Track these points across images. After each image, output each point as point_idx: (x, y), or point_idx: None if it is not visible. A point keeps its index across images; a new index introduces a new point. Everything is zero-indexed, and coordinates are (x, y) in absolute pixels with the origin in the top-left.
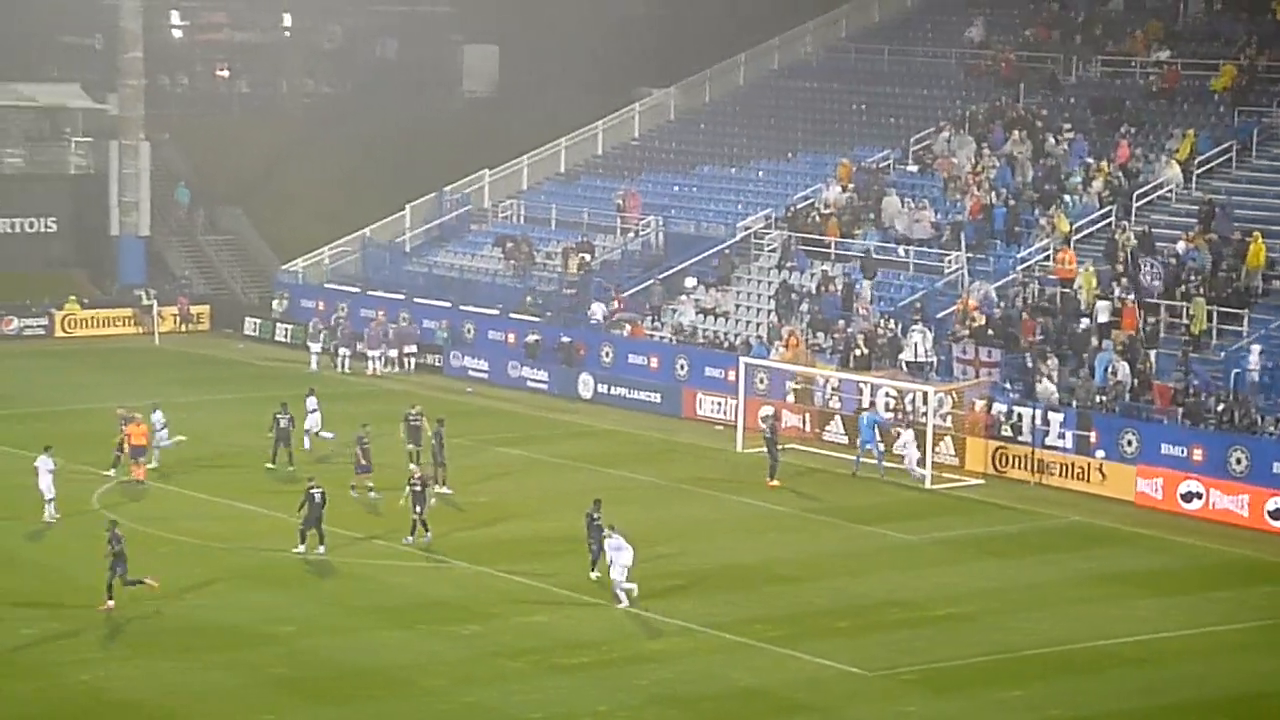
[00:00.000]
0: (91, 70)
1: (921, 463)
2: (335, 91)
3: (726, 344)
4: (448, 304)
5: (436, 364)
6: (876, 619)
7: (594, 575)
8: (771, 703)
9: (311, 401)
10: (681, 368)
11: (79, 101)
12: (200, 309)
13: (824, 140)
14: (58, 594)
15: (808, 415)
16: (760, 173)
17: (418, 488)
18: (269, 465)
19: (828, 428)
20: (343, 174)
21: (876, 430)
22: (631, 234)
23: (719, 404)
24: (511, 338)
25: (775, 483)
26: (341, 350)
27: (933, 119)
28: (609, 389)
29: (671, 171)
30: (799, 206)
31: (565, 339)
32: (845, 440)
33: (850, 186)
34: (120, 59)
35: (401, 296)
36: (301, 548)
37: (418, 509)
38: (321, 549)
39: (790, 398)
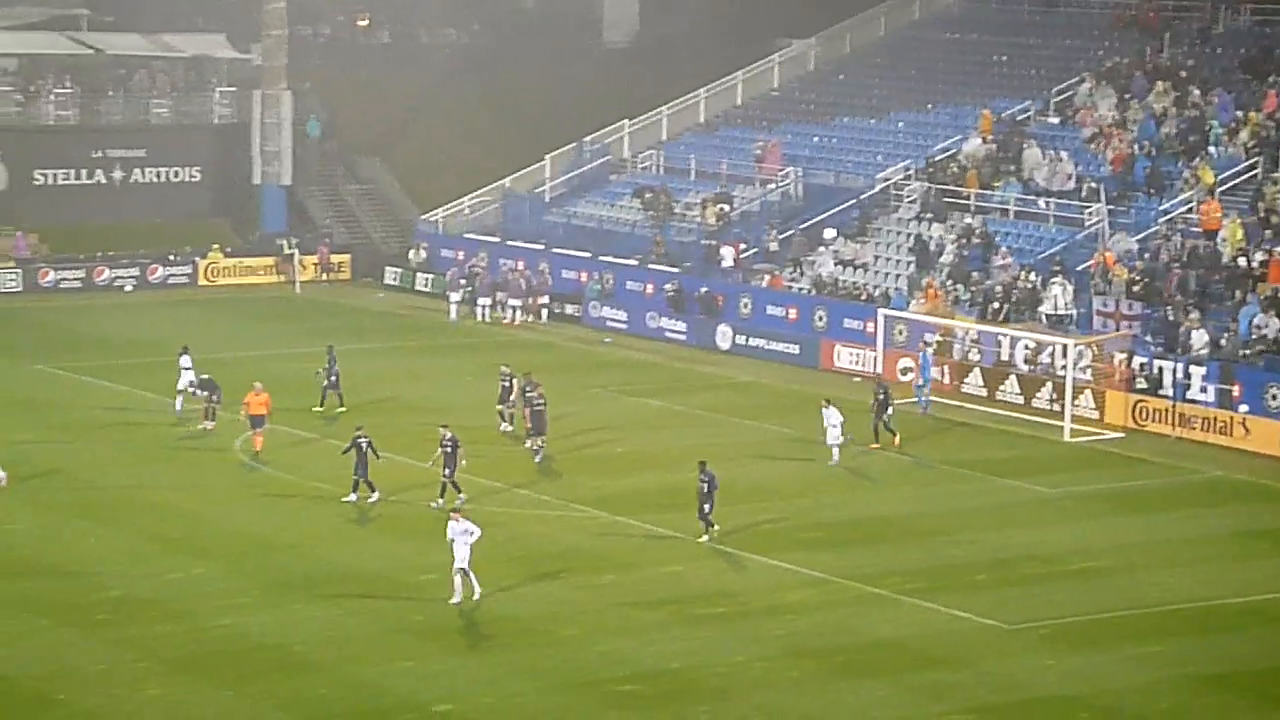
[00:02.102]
0: (235, 21)
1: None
2: (475, 42)
3: (865, 295)
4: (587, 254)
5: (576, 314)
6: (1014, 572)
7: (704, 540)
8: (908, 655)
9: (185, 360)
10: (820, 319)
11: (223, 52)
12: (341, 258)
13: (964, 92)
14: (202, 539)
15: (946, 367)
16: (900, 124)
17: (448, 449)
18: (316, 408)
19: (967, 380)
20: (482, 124)
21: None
22: (771, 185)
23: (857, 355)
24: (650, 288)
25: (875, 446)
26: (481, 300)
27: (1074, 70)
28: (747, 340)
29: (811, 122)
30: (939, 158)
31: (703, 290)
32: (984, 393)
33: (990, 138)
34: (264, 9)
35: (541, 247)
36: (354, 496)
37: (447, 470)
38: (374, 496)
39: (930, 350)
